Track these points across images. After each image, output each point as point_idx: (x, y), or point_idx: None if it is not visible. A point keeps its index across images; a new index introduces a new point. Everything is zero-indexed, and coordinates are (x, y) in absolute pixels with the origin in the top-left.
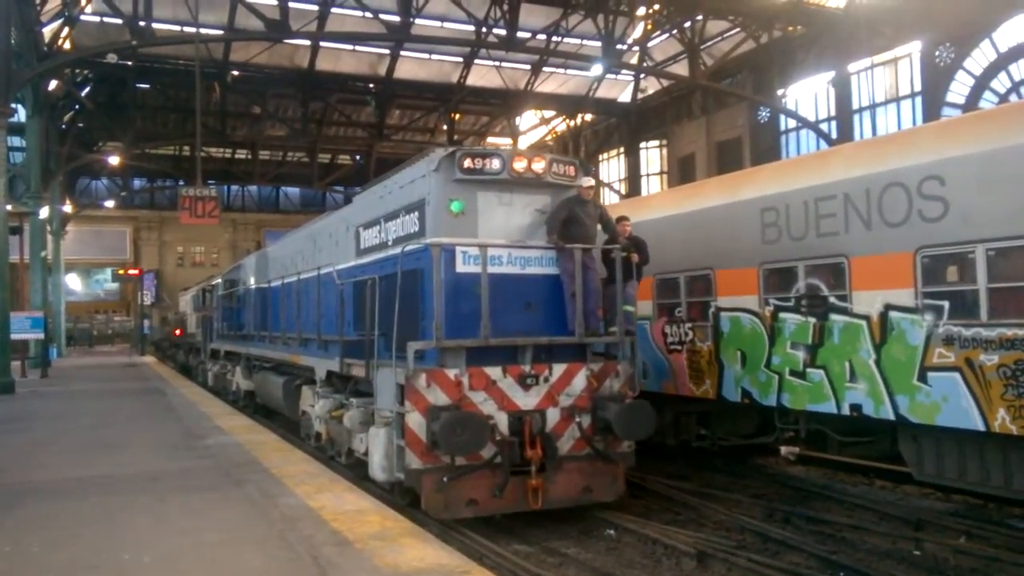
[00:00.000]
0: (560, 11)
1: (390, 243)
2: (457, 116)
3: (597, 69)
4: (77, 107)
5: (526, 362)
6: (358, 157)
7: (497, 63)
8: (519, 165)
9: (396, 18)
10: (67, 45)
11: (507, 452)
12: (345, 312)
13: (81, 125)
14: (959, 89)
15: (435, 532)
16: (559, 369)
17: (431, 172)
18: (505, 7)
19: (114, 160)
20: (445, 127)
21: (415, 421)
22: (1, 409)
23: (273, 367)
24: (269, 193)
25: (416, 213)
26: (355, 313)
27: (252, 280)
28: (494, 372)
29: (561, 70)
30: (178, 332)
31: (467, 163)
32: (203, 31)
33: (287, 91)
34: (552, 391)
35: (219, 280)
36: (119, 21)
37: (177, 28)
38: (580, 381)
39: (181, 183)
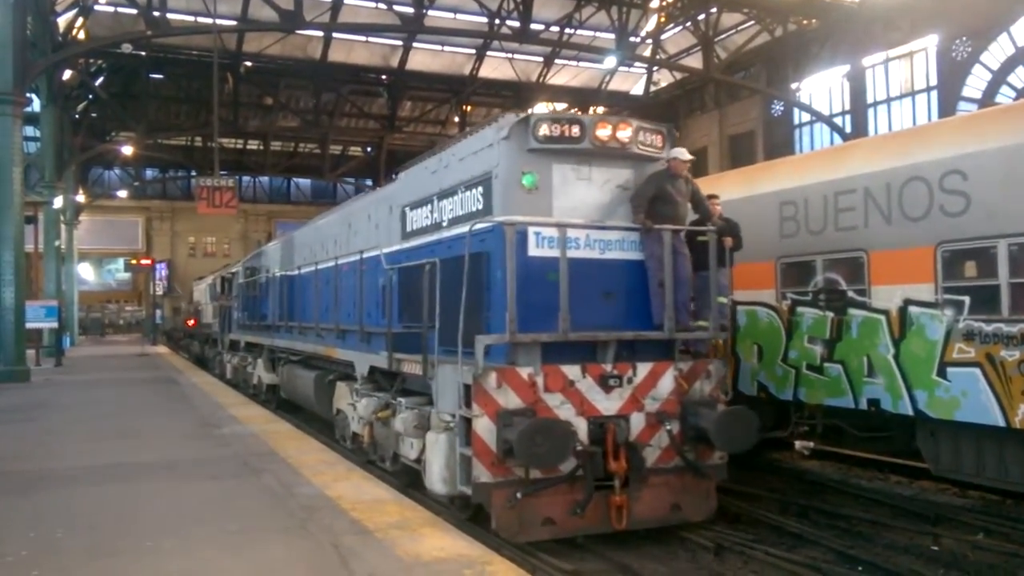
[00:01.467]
0: (573, 3)
1: (445, 224)
2: (469, 108)
3: (611, 61)
4: (91, 97)
5: (608, 360)
6: (369, 149)
7: (510, 55)
8: (603, 132)
9: (409, 9)
10: (81, 35)
11: (590, 464)
12: (392, 301)
13: (94, 115)
14: (976, 84)
15: (453, 523)
16: (644, 369)
17: (500, 141)
18: None
19: (127, 150)
20: (457, 119)
21: (484, 427)
22: (17, 397)
23: (301, 360)
24: (280, 184)
25: (480, 188)
26: (402, 302)
27: (276, 267)
28: (572, 371)
29: (574, 62)
30: (191, 322)
31: (544, 130)
32: (217, 22)
33: (299, 82)
34: (636, 394)
35: (239, 267)
36: (133, 11)
37: (191, 18)
38: (667, 382)
39: (193, 173)
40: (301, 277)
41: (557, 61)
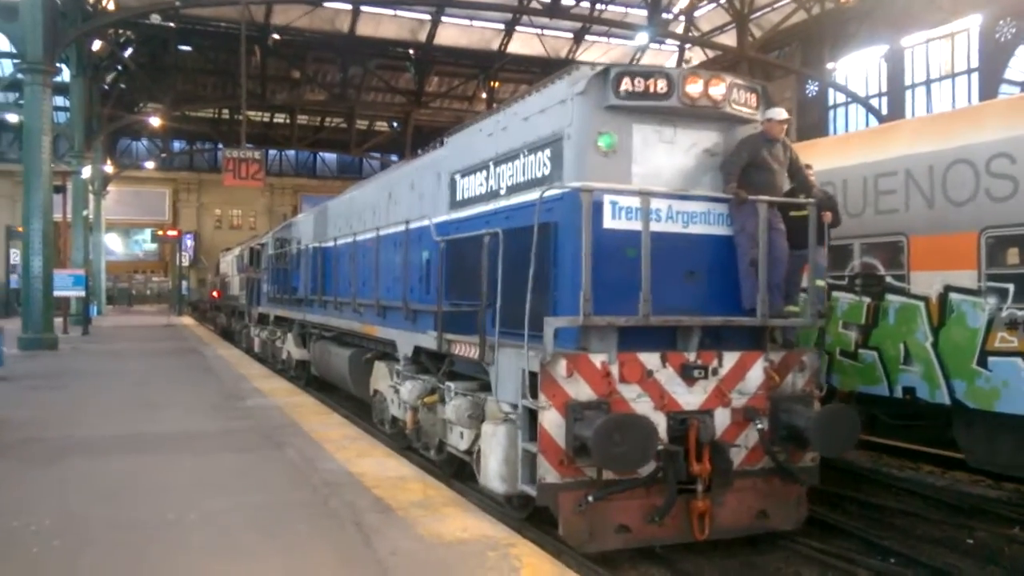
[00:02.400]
0: None
1: (503, 192)
2: (496, 84)
3: (642, 38)
4: (119, 68)
5: (691, 348)
6: (395, 124)
7: (539, 31)
8: (693, 88)
9: None
10: (111, 6)
11: (672, 466)
12: (439, 276)
13: (123, 86)
14: (1020, 66)
15: (475, 501)
16: (731, 359)
17: (575, 96)
18: None
19: (155, 121)
20: (484, 95)
21: (552, 421)
22: (45, 365)
23: (335, 337)
24: (306, 158)
25: (547, 151)
26: (451, 278)
27: (309, 238)
28: (651, 360)
29: (604, 39)
30: (216, 294)
31: (625, 84)
32: None
33: (327, 55)
34: (722, 386)
35: (268, 238)
36: None
37: None
38: (756, 375)
39: (220, 146)
40: (337, 249)
41: (587, 37)
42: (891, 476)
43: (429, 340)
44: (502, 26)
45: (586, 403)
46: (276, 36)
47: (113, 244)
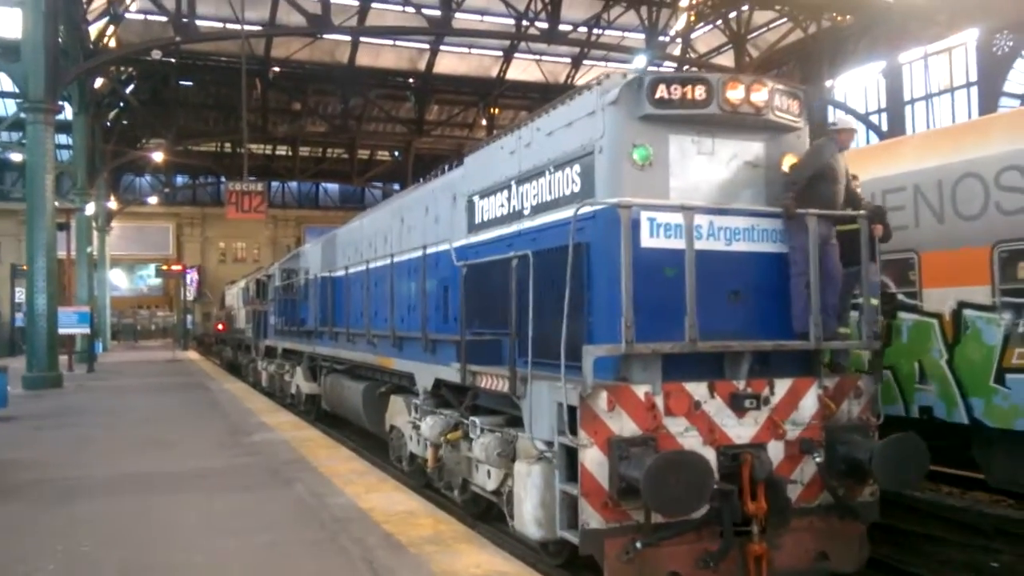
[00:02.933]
0: (602, 3)
1: (526, 212)
2: (496, 111)
3: (640, 61)
4: (121, 104)
5: (740, 376)
6: (396, 153)
7: (537, 57)
8: (734, 95)
9: (437, 12)
10: (112, 43)
11: (727, 507)
12: (458, 304)
13: (125, 122)
14: (1018, 79)
15: (489, 537)
16: (782, 386)
17: (606, 107)
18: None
19: (158, 157)
20: (484, 122)
21: (594, 460)
22: (50, 403)
23: (346, 369)
24: (309, 189)
25: (576, 167)
26: (473, 305)
27: (317, 268)
28: (698, 390)
29: (602, 63)
30: (221, 327)
31: (661, 92)
32: (246, 27)
33: (327, 87)
34: (774, 417)
35: (275, 270)
36: (162, 18)
37: (219, 25)
38: (810, 403)
39: (222, 179)
40: (348, 278)
41: (585, 62)
42: (912, 498)
43: (451, 372)
44: (500, 53)
45: (630, 439)
46: (276, 69)
47: (117, 279)
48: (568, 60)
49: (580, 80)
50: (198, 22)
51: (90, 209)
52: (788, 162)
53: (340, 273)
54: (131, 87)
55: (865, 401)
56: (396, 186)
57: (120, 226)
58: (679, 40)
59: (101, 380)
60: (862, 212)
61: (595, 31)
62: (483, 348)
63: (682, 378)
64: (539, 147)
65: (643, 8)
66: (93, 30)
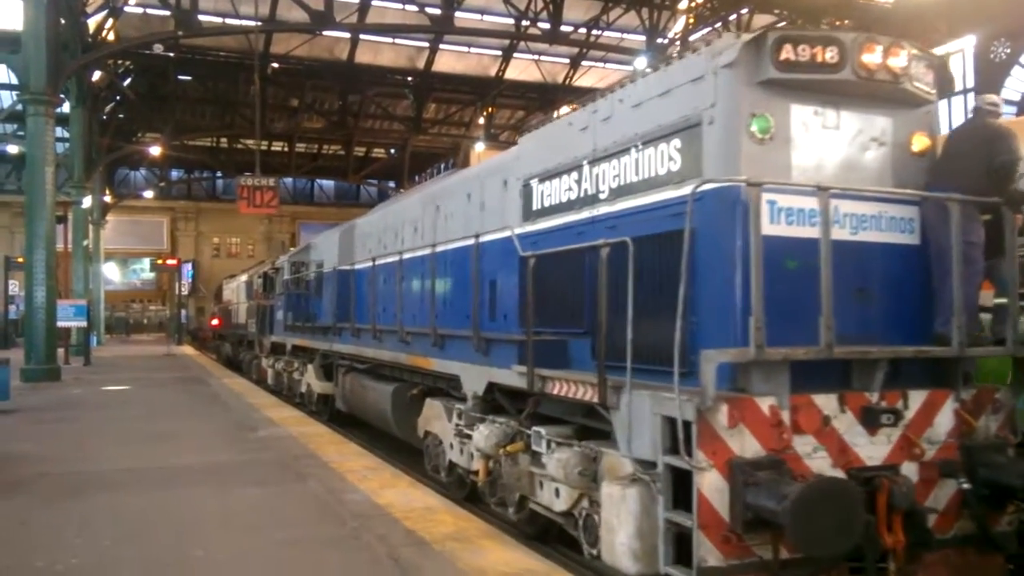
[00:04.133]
0: (601, 4)
1: (603, 195)
2: (491, 110)
3: (641, 62)
4: (118, 98)
5: (873, 387)
6: (392, 151)
7: (536, 57)
8: (871, 58)
9: (438, 10)
10: (111, 36)
11: (869, 540)
12: (506, 299)
13: (122, 116)
14: (1015, 85)
15: (512, 535)
16: (917, 399)
17: (720, 70)
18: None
19: (155, 151)
20: (481, 120)
21: (713, 485)
22: (50, 397)
23: (368, 369)
24: (304, 186)
25: (674, 142)
26: (539, 301)
27: (333, 261)
28: (828, 403)
29: (600, 64)
30: (216, 322)
31: (787, 53)
32: (246, 23)
33: (325, 83)
34: (909, 434)
35: (284, 262)
36: (162, 12)
37: (219, 20)
38: (946, 418)
39: (218, 174)
40: (374, 271)
41: (584, 63)
42: None
43: (511, 376)
44: (499, 52)
45: (756, 462)
46: (275, 65)
47: (111, 273)
48: (567, 61)
49: (578, 80)
50: (198, 17)
51: (87, 202)
52: (919, 142)
53: (364, 265)
54: (128, 81)
55: (1003, 416)
56: (392, 183)
57: (115, 220)
58: (678, 42)
59: (99, 374)
60: (1007, 199)
61: (594, 32)
62: (550, 350)
63: (805, 389)
64: (622, 121)
65: (643, 9)
66: (92, 23)
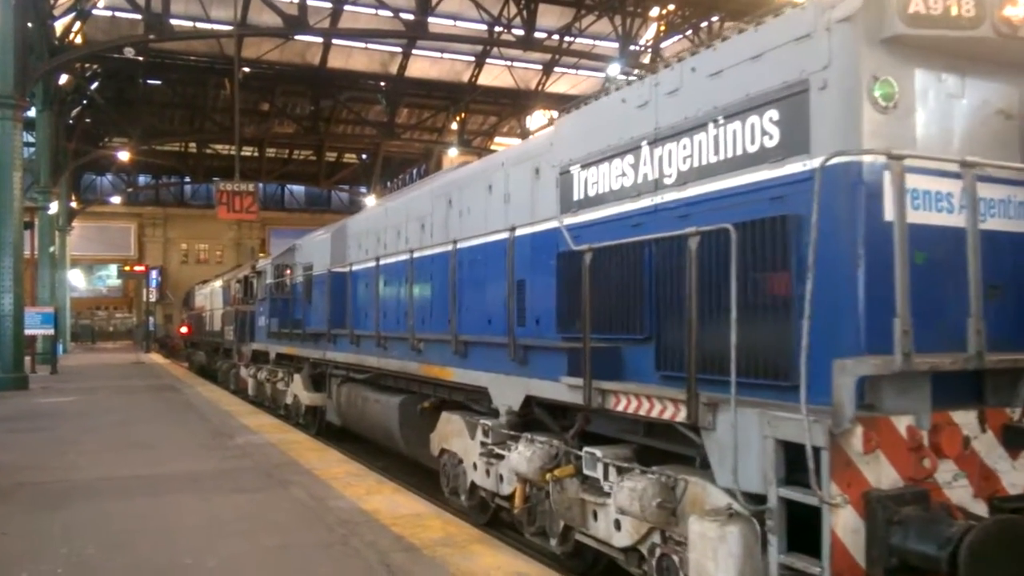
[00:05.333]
0: (573, 11)
1: (669, 180)
2: (462, 115)
3: (614, 69)
4: (85, 102)
5: (1018, 402)
6: (364, 156)
7: (509, 63)
8: (1015, 12)
9: (411, 16)
10: (78, 39)
11: None
12: (539, 300)
13: (88, 120)
14: None
15: (501, 539)
16: None
17: (834, 25)
18: (522, 5)
19: (123, 156)
20: (454, 126)
21: (848, 524)
22: (18, 406)
23: (368, 379)
24: (274, 191)
25: (770, 112)
26: (573, 302)
27: (325, 263)
28: (966, 422)
29: (572, 70)
30: (186, 330)
31: (916, 5)
32: (217, 27)
33: (297, 88)
34: None
35: (267, 266)
36: (130, 16)
37: (189, 24)
38: None
39: (186, 179)
40: (376, 272)
41: (556, 69)
42: None
43: (557, 390)
44: (472, 58)
45: (897, 495)
46: (246, 69)
47: (76, 280)
48: (540, 67)
49: (551, 87)
50: (170, 20)
51: (53, 208)
52: None
53: (363, 266)
54: (95, 84)
55: None
56: (363, 189)
57: (81, 226)
58: (649, 50)
59: (67, 382)
60: None
61: (566, 39)
62: (604, 359)
63: (938, 405)
64: (696, 93)
65: (616, 17)
66: (59, 26)
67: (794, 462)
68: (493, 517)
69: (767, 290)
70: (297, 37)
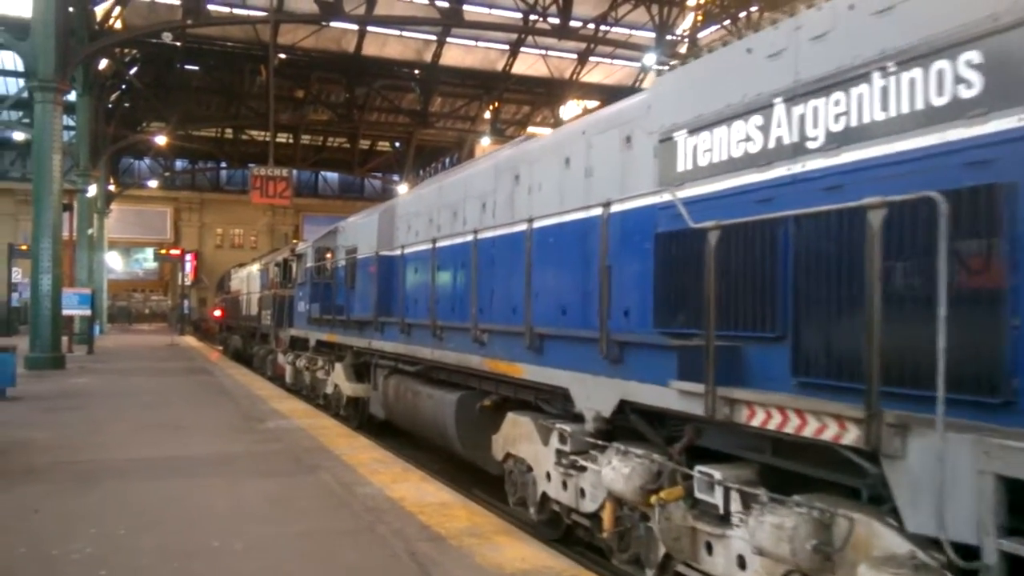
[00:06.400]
0: (610, 0)
1: (814, 144)
2: (496, 105)
3: (651, 58)
4: (124, 87)
5: None
6: (397, 144)
7: (544, 51)
8: None
9: (446, 3)
10: (118, 24)
11: None
12: (630, 287)
13: (127, 105)
14: None
15: (527, 531)
16: None
17: None
18: None
19: (160, 140)
20: (487, 115)
21: None
22: (55, 385)
23: (419, 371)
24: (308, 178)
25: (967, 55)
26: (671, 291)
27: (371, 246)
28: None
29: (608, 60)
30: (219, 313)
31: None
32: (253, 12)
33: (332, 75)
34: None
35: (307, 249)
36: (168, 1)
37: (226, 9)
38: None
39: (222, 164)
40: (433, 255)
41: (591, 58)
42: None
43: (665, 395)
44: (507, 47)
45: None
46: (282, 56)
47: (113, 263)
48: (575, 56)
49: (585, 76)
50: (207, 6)
51: (92, 191)
52: None
53: (416, 249)
54: (134, 70)
55: None
56: (395, 177)
57: (118, 209)
58: (686, 39)
59: (103, 363)
60: None
61: (603, 27)
62: (725, 360)
63: None
64: (853, 36)
65: (653, 6)
66: (99, 11)
67: (1015, 505)
68: (566, 534)
69: (967, 282)
70: (332, 24)
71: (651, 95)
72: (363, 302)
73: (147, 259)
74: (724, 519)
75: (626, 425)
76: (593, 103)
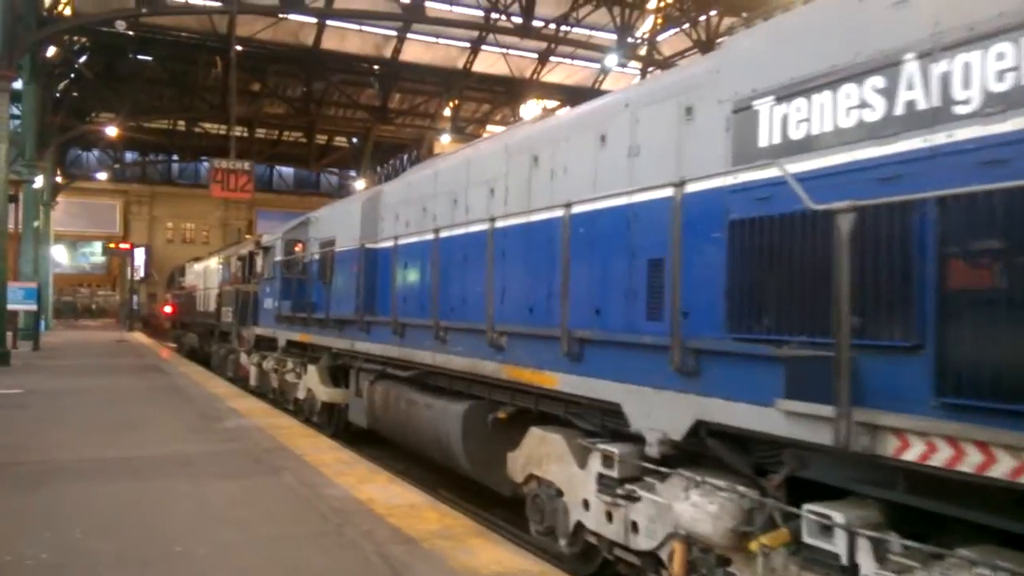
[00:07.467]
0: (571, 0)
1: (966, 108)
2: (455, 103)
3: (612, 59)
4: (72, 76)
5: None
6: (355, 140)
7: (505, 50)
8: None
9: None
10: (67, 11)
11: None
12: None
13: (75, 95)
14: None
15: (499, 533)
16: None
17: None
18: None
19: (111, 131)
20: (447, 112)
21: None
22: (1, 383)
23: (412, 377)
24: (263, 172)
25: None
26: (753, 286)
27: (352, 238)
28: None
29: (568, 60)
30: (170, 309)
31: None
32: (210, 3)
33: (289, 69)
34: None
35: (276, 242)
36: None
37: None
38: None
39: (173, 157)
40: (436, 246)
41: (552, 58)
42: None
43: (767, 417)
44: (467, 44)
45: None
46: (239, 48)
47: (60, 256)
48: (535, 56)
49: (546, 76)
50: None
51: (38, 182)
52: None
53: (411, 240)
54: (84, 58)
55: None
56: (352, 172)
57: (65, 201)
58: (644, 42)
59: (50, 359)
60: None
61: (564, 28)
62: (813, 371)
63: None
64: None
65: (614, 8)
66: None
67: None
68: (601, 569)
69: None
70: (291, 17)
71: (719, 58)
72: (344, 299)
73: (95, 253)
74: (847, 571)
75: (683, 447)
76: (553, 103)
